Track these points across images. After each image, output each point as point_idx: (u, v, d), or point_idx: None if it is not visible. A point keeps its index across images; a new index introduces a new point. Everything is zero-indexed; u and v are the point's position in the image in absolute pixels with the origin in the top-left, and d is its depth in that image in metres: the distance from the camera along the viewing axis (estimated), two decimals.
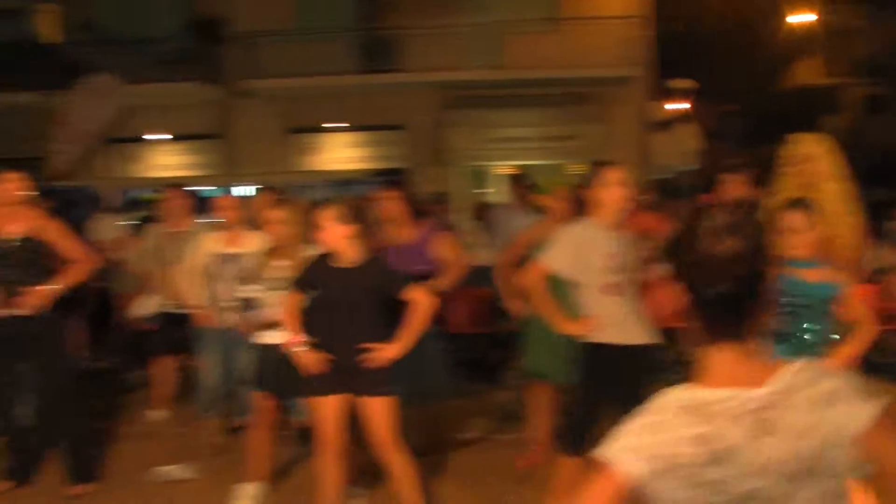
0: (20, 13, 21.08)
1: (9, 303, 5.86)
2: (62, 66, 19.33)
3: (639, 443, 1.91)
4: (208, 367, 6.84)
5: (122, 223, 11.64)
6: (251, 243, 6.57)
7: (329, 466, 5.05)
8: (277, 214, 5.70)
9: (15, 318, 5.86)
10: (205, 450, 6.88)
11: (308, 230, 5.30)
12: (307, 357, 5.00)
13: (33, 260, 5.92)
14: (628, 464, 1.89)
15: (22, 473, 6.21)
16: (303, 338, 5.04)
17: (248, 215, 6.89)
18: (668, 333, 5.12)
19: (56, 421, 6.09)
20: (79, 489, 6.03)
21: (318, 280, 5.05)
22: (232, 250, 6.65)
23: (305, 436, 6.24)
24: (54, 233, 5.99)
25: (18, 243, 5.89)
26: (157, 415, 7.98)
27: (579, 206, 5.31)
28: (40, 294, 5.86)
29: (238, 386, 6.68)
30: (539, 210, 7.53)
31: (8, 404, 6.12)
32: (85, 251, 6.18)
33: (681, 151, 21.68)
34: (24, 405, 6.25)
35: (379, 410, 4.94)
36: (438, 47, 18.26)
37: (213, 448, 6.92)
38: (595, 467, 1.94)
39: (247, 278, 6.44)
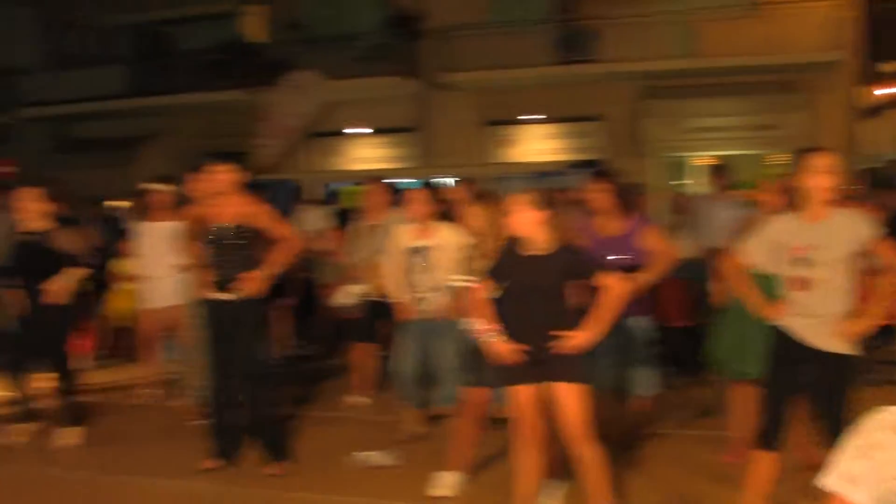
0: (229, 16, 22.05)
1: (226, 288, 6.18)
2: (267, 65, 20.11)
3: (857, 469, 1.83)
4: (403, 356, 6.97)
5: (324, 215, 12.00)
6: (443, 236, 6.68)
7: (527, 457, 5.04)
8: (475, 207, 5.75)
9: (228, 302, 6.17)
10: (404, 437, 7.02)
11: (501, 222, 5.31)
12: (499, 346, 5.01)
13: (247, 246, 6.20)
14: (851, 494, 1.82)
15: (228, 453, 6.50)
16: (495, 327, 5.05)
17: (442, 208, 6.99)
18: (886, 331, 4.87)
19: (255, 402, 6.36)
20: (275, 468, 6.26)
21: (508, 268, 5.06)
22: (423, 243, 6.77)
23: (501, 425, 6.30)
24: (265, 218, 6.26)
25: (232, 231, 6.19)
26: (358, 401, 8.20)
27: (790, 198, 5.11)
28: (255, 279, 6.14)
29: (438, 375, 6.78)
30: (745, 203, 7.34)
31: (217, 385, 6.41)
32: (294, 232, 6.44)
33: (892, 139, 20.60)
34: (231, 387, 6.56)
35: (570, 399, 4.89)
36: (635, 36, 17.99)
37: (412, 436, 7.05)
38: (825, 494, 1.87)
39: (443, 270, 6.55)
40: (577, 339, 4.86)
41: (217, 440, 6.46)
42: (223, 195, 6.24)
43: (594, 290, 4.96)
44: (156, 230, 8.21)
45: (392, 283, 6.95)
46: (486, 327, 5.10)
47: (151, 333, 8.42)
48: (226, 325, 6.25)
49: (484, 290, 5.16)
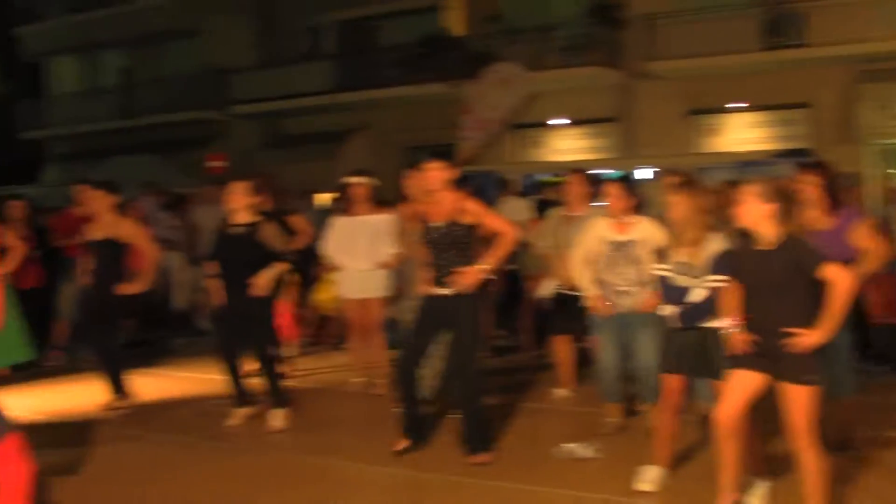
0: (432, 10, 22.39)
1: (442, 283, 6.29)
2: (469, 57, 20.29)
3: None
4: (603, 350, 6.91)
5: (527, 206, 12.01)
6: (641, 230, 6.57)
7: (728, 451, 4.92)
8: (680, 198, 5.63)
9: (447, 296, 6.28)
10: (605, 430, 6.95)
11: (711, 214, 5.17)
12: (737, 338, 4.89)
13: (461, 243, 6.28)
14: None
15: (417, 438, 6.59)
16: (736, 320, 4.93)
17: (641, 200, 6.88)
18: None
19: (464, 393, 6.43)
20: (479, 458, 6.30)
21: (738, 263, 4.94)
22: (624, 237, 6.67)
23: (708, 422, 6.15)
24: (476, 213, 6.32)
25: (445, 228, 6.28)
26: (560, 393, 8.17)
27: None
28: (471, 274, 6.21)
29: (639, 369, 6.69)
30: None
31: (412, 374, 6.52)
32: (508, 225, 6.46)
33: None
34: (431, 376, 6.67)
35: (799, 399, 4.69)
36: (846, 18, 17.15)
37: (613, 429, 6.98)
38: None
39: (642, 263, 6.45)
40: (810, 337, 4.66)
41: (408, 426, 6.57)
42: (436, 192, 6.34)
43: (821, 286, 4.74)
44: (355, 223, 8.41)
45: (581, 276, 6.88)
46: (729, 320, 4.99)
47: (356, 323, 8.65)
48: (438, 319, 6.35)
49: (727, 284, 5.05)
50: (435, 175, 6.34)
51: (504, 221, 6.52)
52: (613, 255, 6.68)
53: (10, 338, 5.75)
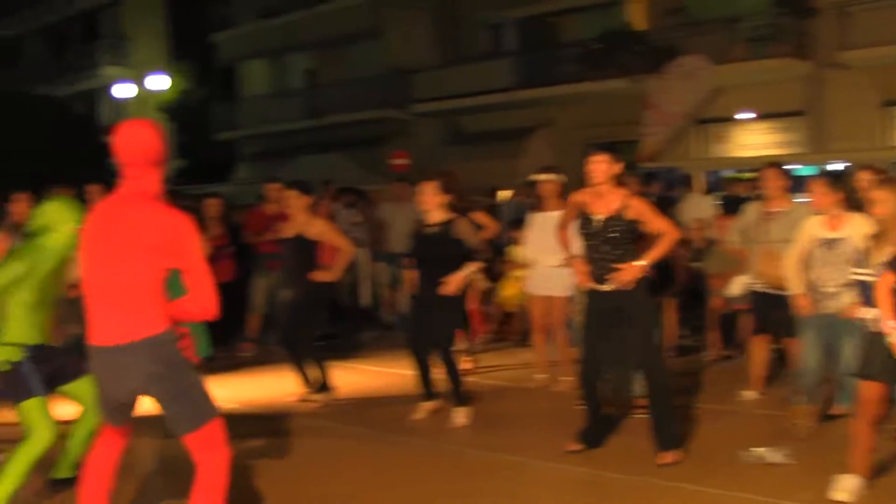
0: (613, 4, 22.16)
1: (604, 279, 6.24)
2: (652, 52, 20.00)
3: None
4: (806, 352, 6.70)
5: (711, 203, 11.76)
6: (853, 227, 6.33)
7: None
8: (881, 194, 5.39)
9: (611, 293, 6.22)
10: (795, 435, 6.73)
11: None
12: None
13: (623, 237, 6.21)
14: None
15: (593, 439, 6.53)
16: None
17: (846, 196, 6.63)
18: None
19: (649, 389, 6.35)
20: (667, 457, 6.20)
21: None
22: (832, 235, 6.45)
23: None
24: (640, 210, 6.23)
25: (605, 222, 6.22)
26: (748, 395, 7.96)
27: None
28: (632, 270, 6.14)
29: (838, 373, 6.46)
30: None
31: (594, 373, 6.48)
32: (670, 225, 6.36)
33: None
34: (609, 375, 6.61)
35: None
36: None
37: (804, 434, 6.75)
38: None
39: (851, 263, 6.21)
40: None
41: (586, 428, 6.52)
42: (600, 186, 6.28)
43: None
44: (545, 220, 8.43)
45: (793, 276, 6.69)
46: (890, 322, 4.78)
47: (541, 320, 8.67)
48: (605, 316, 6.29)
49: (886, 283, 4.83)
50: (600, 168, 6.27)
51: (667, 222, 6.39)
52: (823, 254, 6.49)
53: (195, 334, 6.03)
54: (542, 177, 8.52)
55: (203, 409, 4.26)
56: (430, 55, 26.78)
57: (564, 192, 8.45)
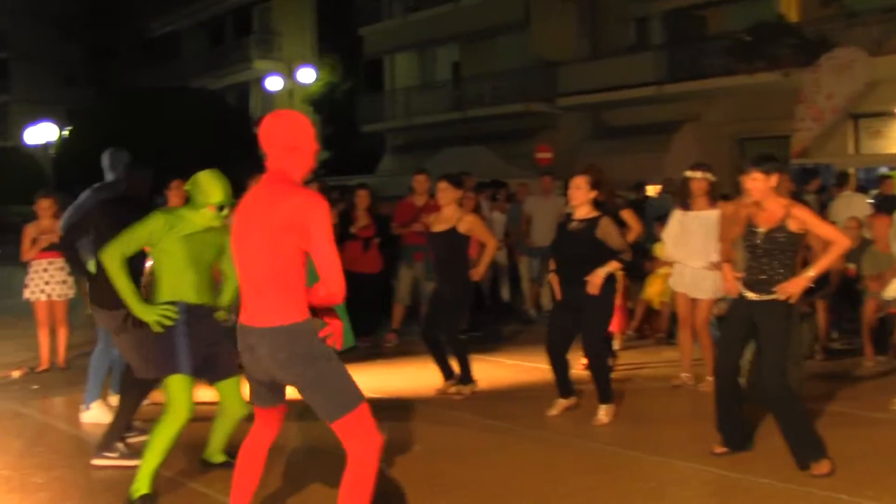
0: None
1: (754, 288, 6.11)
2: (804, 43, 19.45)
3: None
4: None
5: (865, 202, 11.38)
6: None
7: None
8: None
9: (756, 302, 6.10)
10: None
11: None
12: None
13: (784, 249, 6.05)
14: None
15: (735, 442, 6.39)
16: None
17: None
18: None
19: (773, 399, 6.20)
20: (820, 467, 6.01)
21: None
22: None
23: None
24: (803, 219, 6.06)
25: (768, 234, 6.07)
26: None
27: None
28: (799, 282, 5.98)
29: None
30: None
31: (731, 377, 6.35)
32: (838, 233, 6.17)
33: None
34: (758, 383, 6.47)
35: None
36: None
37: None
38: None
39: None
40: None
41: (724, 428, 6.41)
42: (761, 198, 6.13)
43: None
44: (692, 219, 8.30)
45: None
46: None
47: (685, 318, 8.55)
48: (748, 323, 6.17)
49: None
50: (756, 186, 6.11)
51: (835, 229, 6.20)
52: None
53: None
54: (692, 174, 8.36)
55: (344, 397, 4.29)
56: (576, 48, 26.65)
57: (714, 190, 8.32)
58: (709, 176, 8.29)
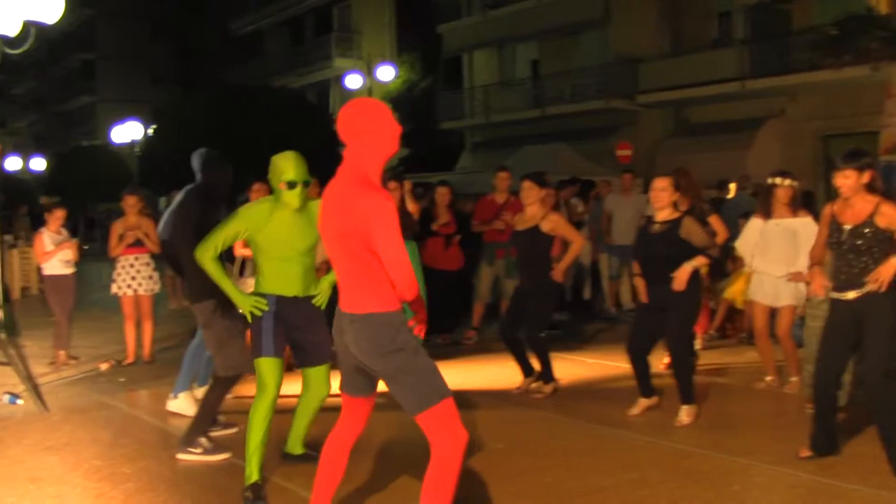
0: None
1: (846, 287, 6.00)
2: (894, 37, 18.97)
3: None
4: None
5: None
6: None
7: None
8: None
9: (853, 301, 5.99)
10: None
11: None
12: None
13: (871, 245, 5.92)
14: None
15: (824, 446, 6.28)
16: None
17: None
18: None
19: (871, 401, 6.08)
20: None
21: None
22: None
23: None
24: (891, 217, 5.92)
25: (855, 230, 5.95)
26: None
27: None
28: (890, 268, 5.84)
29: None
30: None
31: (831, 381, 6.23)
32: None
33: None
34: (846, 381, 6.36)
35: None
36: None
37: None
38: None
39: None
40: None
41: (816, 432, 6.28)
42: (852, 195, 6.01)
43: None
44: (773, 226, 8.16)
45: None
46: None
47: (764, 328, 8.40)
48: (848, 324, 6.05)
49: None
50: (847, 184, 5.99)
51: None
52: None
53: None
54: (777, 181, 8.17)
55: (428, 390, 4.28)
56: (657, 44, 26.40)
57: (799, 197, 8.14)
58: (794, 183, 8.12)
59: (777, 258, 8.12)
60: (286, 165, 5.63)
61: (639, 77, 26.16)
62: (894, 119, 18.20)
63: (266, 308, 5.66)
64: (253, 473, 5.48)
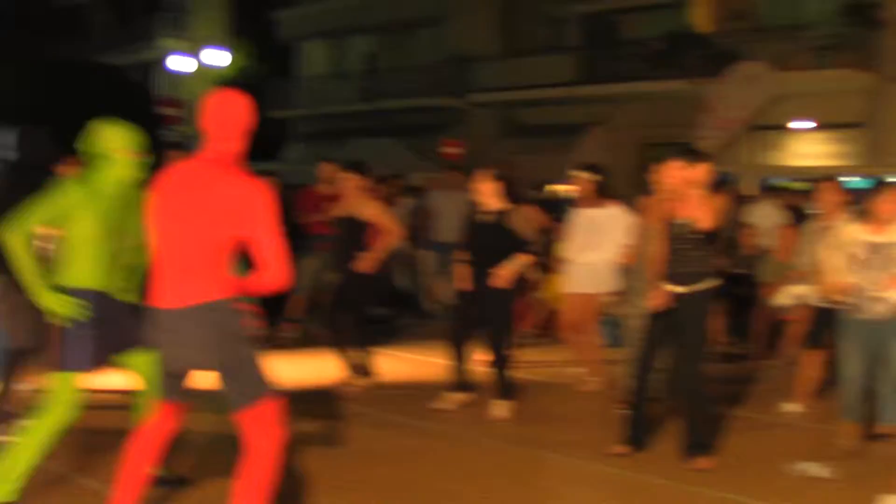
0: (677, 5, 21.97)
1: (676, 281, 6.21)
2: (714, 55, 19.82)
3: None
4: (848, 359, 6.58)
5: (778, 211, 11.57)
6: None
7: None
8: None
9: (679, 295, 6.20)
10: (838, 450, 6.61)
11: None
12: None
13: (700, 244, 6.15)
14: None
15: (638, 441, 6.48)
16: None
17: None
18: None
19: (686, 393, 6.32)
20: (702, 462, 6.13)
21: None
22: (879, 238, 6.36)
23: None
24: (713, 215, 6.17)
25: (685, 226, 6.16)
26: (792, 407, 7.85)
27: None
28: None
29: (885, 386, 6.36)
30: None
31: (642, 375, 6.43)
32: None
33: None
34: (653, 377, 6.58)
35: None
36: None
37: (846, 449, 6.63)
38: None
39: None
40: None
41: (630, 427, 6.47)
42: (681, 190, 6.22)
43: None
44: (582, 216, 8.39)
45: (835, 283, 6.58)
46: None
47: (574, 317, 8.61)
48: (669, 318, 6.26)
49: None
50: (677, 174, 6.22)
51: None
52: (869, 258, 6.38)
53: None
54: (577, 174, 8.48)
55: (259, 385, 4.22)
56: (491, 45, 26.73)
57: (606, 190, 8.39)
58: (590, 176, 8.38)
59: (585, 246, 8.33)
60: (117, 133, 4.99)
61: (472, 77, 26.42)
62: (708, 132, 19.01)
63: (88, 313, 4.82)
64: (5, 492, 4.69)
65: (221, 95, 4.35)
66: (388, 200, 12.71)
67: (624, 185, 8.67)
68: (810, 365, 7.73)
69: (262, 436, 4.19)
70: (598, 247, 8.20)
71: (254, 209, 4.08)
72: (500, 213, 7.44)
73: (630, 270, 7.77)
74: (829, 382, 7.61)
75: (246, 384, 4.18)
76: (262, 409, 4.19)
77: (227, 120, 4.24)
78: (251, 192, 4.11)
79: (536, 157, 21.54)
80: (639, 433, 6.48)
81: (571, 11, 25.41)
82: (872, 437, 6.80)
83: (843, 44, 18.91)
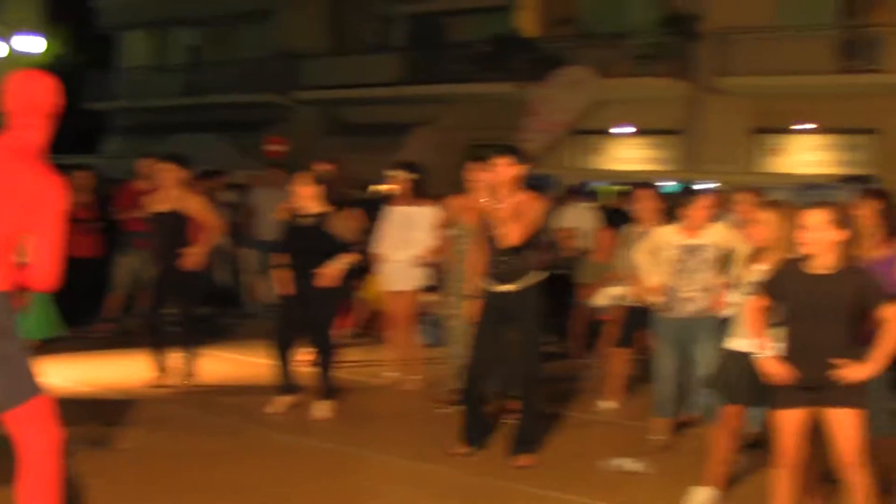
0: (504, 9, 22.31)
1: (501, 280, 6.28)
2: (539, 59, 20.21)
3: None
4: (661, 357, 6.79)
5: (592, 213, 11.84)
6: (713, 234, 6.51)
7: (784, 480, 4.78)
8: (763, 216, 5.49)
9: (505, 294, 6.27)
10: (651, 445, 6.82)
11: (791, 234, 5.00)
12: (772, 366, 4.77)
13: (523, 248, 6.25)
14: None
15: (478, 440, 6.52)
16: (768, 345, 4.81)
17: (716, 211, 6.82)
18: None
19: (523, 392, 6.41)
20: (526, 460, 6.23)
21: (787, 286, 4.78)
22: (692, 241, 6.57)
23: (758, 445, 6.03)
24: (537, 212, 6.26)
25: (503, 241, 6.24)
26: (607, 405, 8.06)
27: None
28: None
29: (693, 379, 6.58)
30: None
31: (477, 374, 6.47)
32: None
33: None
34: (491, 376, 6.65)
35: (847, 425, 4.58)
36: None
37: (659, 444, 6.84)
38: None
39: (711, 269, 6.38)
40: (860, 370, 4.55)
41: (469, 427, 6.50)
42: (501, 188, 6.28)
43: (871, 319, 4.61)
44: (396, 214, 8.41)
45: (648, 284, 6.79)
46: (759, 344, 4.87)
47: (395, 316, 8.63)
48: (500, 317, 6.31)
49: (757, 304, 4.92)
50: (503, 171, 6.28)
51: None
52: (683, 260, 6.58)
53: (41, 312, 5.71)
54: (393, 173, 8.53)
55: (29, 382, 3.97)
56: (318, 42, 26.51)
57: (423, 189, 8.43)
58: (404, 175, 8.43)
59: (396, 244, 8.35)
60: None
61: (298, 73, 26.15)
62: (531, 135, 19.37)
63: None
64: None
65: (24, 75, 4.13)
66: (210, 196, 12.45)
67: (448, 184, 8.71)
68: (620, 363, 7.96)
69: (37, 436, 3.94)
70: (410, 244, 8.23)
71: (41, 205, 3.89)
72: (320, 216, 7.37)
73: (447, 270, 7.81)
74: (641, 380, 7.83)
75: (12, 381, 3.91)
76: (32, 408, 3.94)
77: (29, 101, 4.01)
78: (43, 187, 3.92)
79: (362, 156, 21.42)
80: (476, 433, 6.50)
81: (399, 11, 25.48)
82: (681, 426, 7.03)
83: (662, 53, 19.59)
